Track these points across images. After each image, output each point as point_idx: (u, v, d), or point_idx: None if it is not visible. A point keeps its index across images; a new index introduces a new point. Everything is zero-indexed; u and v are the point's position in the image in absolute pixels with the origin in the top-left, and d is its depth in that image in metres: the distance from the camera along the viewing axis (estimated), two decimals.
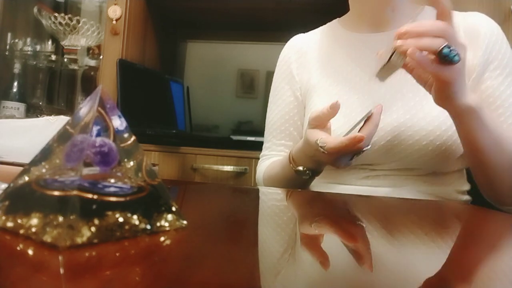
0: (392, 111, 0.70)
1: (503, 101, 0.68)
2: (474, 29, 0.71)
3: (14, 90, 1.68)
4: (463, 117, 0.59)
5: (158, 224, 0.26)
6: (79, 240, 0.21)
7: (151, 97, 1.61)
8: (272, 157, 0.86)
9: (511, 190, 0.64)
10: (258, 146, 0.93)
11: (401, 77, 0.72)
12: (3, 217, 0.24)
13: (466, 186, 0.74)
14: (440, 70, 0.53)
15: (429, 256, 0.27)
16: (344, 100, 0.75)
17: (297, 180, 0.70)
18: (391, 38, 0.75)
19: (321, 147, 0.60)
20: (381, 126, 0.70)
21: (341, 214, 0.45)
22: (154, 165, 1.13)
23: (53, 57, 1.76)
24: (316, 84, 0.80)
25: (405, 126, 0.68)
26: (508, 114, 0.68)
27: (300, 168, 0.69)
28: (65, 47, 1.68)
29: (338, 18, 0.86)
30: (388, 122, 0.69)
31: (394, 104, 0.71)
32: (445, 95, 0.57)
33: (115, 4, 1.49)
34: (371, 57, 0.77)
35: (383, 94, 0.72)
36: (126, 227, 0.24)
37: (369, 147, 0.62)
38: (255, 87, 1.90)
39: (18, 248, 0.21)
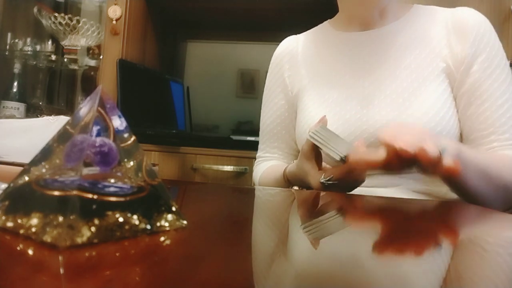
0: (381, 108, 0.70)
1: (490, 95, 0.68)
2: (462, 23, 0.71)
3: (14, 90, 1.68)
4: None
5: (158, 224, 0.26)
6: (79, 240, 0.21)
7: (151, 97, 1.61)
8: (267, 159, 0.88)
9: (499, 206, 0.64)
10: (258, 147, 0.94)
11: (390, 73, 0.73)
12: (3, 217, 0.24)
13: None
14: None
15: (426, 255, 0.27)
16: (334, 98, 0.76)
17: None
18: (378, 38, 0.76)
19: (328, 181, 0.60)
20: (370, 123, 0.70)
21: (340, 215, 0.45)
22: (154, 165, 1.13)
23: (53, 57, 1.76)
24: (307, 85, 0.81)
25: (394, 122, 0.68)
26: (494, 109, 0.67)
27: (296, 188, 0.71)
28: (65, 47, 1.68)
29: (329, 20, 0.87)
30: (377, 119, 0.70)
31: (383, 101, 0.71)
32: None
33: (115, 4, 1.49)
34: (359, 55, 0.77)
35: (372, 91, 0.73)
36: (126, 227, 0.24)
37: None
38: (255, 87, 1.90)
39: (18, 248, 0.21)
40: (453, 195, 0.71)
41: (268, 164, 0.86)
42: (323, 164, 0.65)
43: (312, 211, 0.47)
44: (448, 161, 0.49)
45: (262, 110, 0.90)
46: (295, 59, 0.85)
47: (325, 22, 0.88)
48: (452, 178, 0.57)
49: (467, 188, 0.60)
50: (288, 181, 0.73)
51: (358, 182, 0.61)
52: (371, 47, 0.76)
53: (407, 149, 0.48)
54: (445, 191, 0.70)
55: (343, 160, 0.57)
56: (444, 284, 0.21)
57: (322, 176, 0.60)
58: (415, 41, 0.74)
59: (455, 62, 0.70)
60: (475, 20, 0.71)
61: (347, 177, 0.58)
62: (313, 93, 0.79)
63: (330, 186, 0.59)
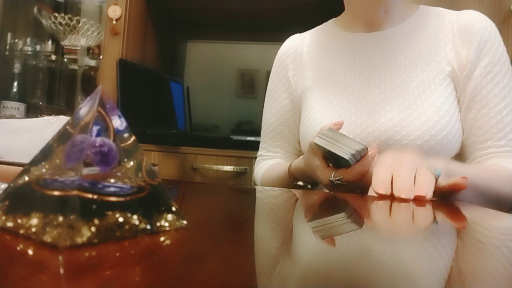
0: (387, 111, 0.70)
1: (489, 100, 0.68)
2: (467, 27, 0.71)
3: (14, 90, 1.68)
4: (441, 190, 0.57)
5: (158, 224, 0.26)
6: (79, 240, 0.21)
7: (151, 97, 1.61)
8: (269, 158, 0.88)
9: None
10: (258, 146, 0.94)
11: (396, 76, 0.73)
12: (3, 217, 0.24)
13: None
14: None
15: (425, 254, 0.27)
16: (339, 100, 0.75)
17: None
18: (384, 39, 0.76)
19: (338, 181, 0.59)
20: (376, 126, 0.70)
21: (340, 214, 0.45)
22: (154, 165, 1.13)
23: (53, 57, 1.76)
24: (311, 85, 0.81)
25: (399, 126, 0.68)
26: (492, 114, 0.68)
27: (301, 183, 0.71)
28: (65, 47, 1.68)
29: (334, 18, 0.87)
30: (382, 122, 0.70)
31: (388, 104, 0.71)
32: None
33: (115, 4, 1.49)
34: (365, 57, 0.77)
35: (378, 94, 0.73)
36: (126, 227, 0.24)
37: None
38: (255, 87, 1.90)
39: (18, 248, 0.21)
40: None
41: (270, 162, 0.86)
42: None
43: (314, 211, 0.47)
44: (452, 179, 0.50)
45: (264, 109, 0.90)
46: (300, 59, 0.85)
47: (330, 21, 0.87)
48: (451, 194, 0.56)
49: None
50: (293, 176, 0.73)
51: (366, 189, 0.61)
52: (378, 49, 0.76)
53: (405, 197, 0.48)
54: None
55: (352, 159, 0.56)
56: (446, 281, 0.21)
57: (332, 174, 0.59)
58: (421, 45, 0.73)
59: (460, 66, 0.70)
60: (480, 24, 0.70)
61: (358, 181, 0.58)
62: (317, 94, 0.79)
63: (338, 186, 0.59)
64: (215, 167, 1.36)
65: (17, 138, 0.69)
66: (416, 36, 0.74)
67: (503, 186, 0.63)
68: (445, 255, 0.27)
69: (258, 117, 0.92)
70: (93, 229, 0.22)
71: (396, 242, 0.31)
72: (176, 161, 1.38)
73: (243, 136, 1.46)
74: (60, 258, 0.20)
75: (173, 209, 0.27)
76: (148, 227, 0.25)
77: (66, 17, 1.62)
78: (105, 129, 0.26)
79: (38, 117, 1.57)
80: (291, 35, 0.91)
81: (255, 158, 0.93)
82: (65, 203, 0.22)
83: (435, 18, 0.75)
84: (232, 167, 1.36)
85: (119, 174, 0.26)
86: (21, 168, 0.26)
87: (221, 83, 1.92)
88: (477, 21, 0.71)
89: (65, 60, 1.71)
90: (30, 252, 0.21)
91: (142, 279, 0.18)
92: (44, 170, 0.25)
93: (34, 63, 1.80)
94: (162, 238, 0.25)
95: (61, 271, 0.18)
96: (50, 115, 1.26)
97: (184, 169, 1.38)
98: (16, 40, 1.74)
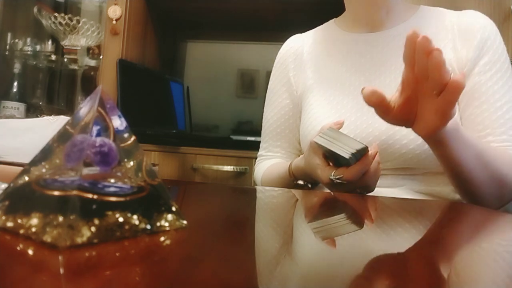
0: None
1: (489, 96, 0.68)
2: (467, 27, 0.71)
3: (14, 90, 1.68)
4: (444, 141, 0.56)
5: (158, 224, 0.26)
6: (79, 240, 0.21)
7: (151, 97, 1.61)
8: (269, 158, 0.88)
9: (494, 201, 0.64)
10: (258, 146, 0.94)
11: (396, 76, 0.73)
12: (3, 217, 0.24)
13: None
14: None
15: (425, 254, 0.27)
16: (339, 100, 0.76)
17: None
18: (384, 40, 0.76)
19: (338, 179, 0.59)
20: (376, 126, 0.70)
21: (340, 214, 0.45)
22: (154, 165, 1.13)
23: (53, 57, 1.76)
24: (312, 85, 0.81)
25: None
26: (492, 110, 0.67)
27: (301, 182, 0.71)
28: (65, 47, 1.68)
29: (335, 18, 0.87)
30: (382, 122, 0.70)
31: None
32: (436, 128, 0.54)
33: (115, 4, 1.49)
34: (366, 57, 0.77)
35: None
36: (126, 227, 0.24)
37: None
38: (255, 87, 1.90)
39: (18, 248, 0.21)
40: (455, 196, 0.71)
41: (270, 162, 0.86)
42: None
43: (314, 211, 0.47)
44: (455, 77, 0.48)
45: (265, 109, 0.90)
46: (301, 59, 0.85)
47: (330, 21, 0.87)
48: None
49: (463, 170, 0.59)
50: (294, 175, 0.73)
51: (366, 189, 0.61)
52: (378, 49, 0.76)
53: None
54: (448, 191, 0.70)
55: (352, 158, 0.56)
56: (447, 281, 0.21)
57: (333, 173, 0.59)
58: None
59: (459, 65, 0.70)
60: (480, 24, 0.71)
61: (358, 180, 0.58)
62: (318, 94, 0.79)
63: (338, 185, 0.59)
64: (215, 167, 1.36)
65: (17, 138, 0.69)
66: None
67: (507, 169, 0.63)
68: (445, 255, 0.27)
69: (258, 117, 0.92)
70: (93, 229, 0.22)
71: (396, 242, 0.31)
72: (176, 161, 1.38)
73: (243, 136, 1.46)
74: (60, 258, 0.20)
75: (173, 209, 0.27)
76: (148, 227, 0.25)
77: (66, 17, 1.62)
78: (105, 129, 0.26)
79: (38, 117, 1.57)
80: (291, 35, 0.91)
81: (255, 158, 0.93)
82: (65, 203, 0.22)
83: (435, 18, 0.75)
84: (232, 167, 1.36)
85: (119, 174, 0.26)
86: (21, 168, 0.26)
87: (221, 83, 1.92)
88: (478, 21, 0.71)
89: (65, 60, 1.71)
90: (30, 252, 0.21)
91: (142, 279, 0.18)
92: (44, 170, 0.25)
93: (34, 63, 1.80)
94: (162, 238, 0.25)
95: (61, 271, 0.18)
96: (50, 115, 1.26)
97: (184, 169, 1.38)
98: (16, 40, 1.74)
